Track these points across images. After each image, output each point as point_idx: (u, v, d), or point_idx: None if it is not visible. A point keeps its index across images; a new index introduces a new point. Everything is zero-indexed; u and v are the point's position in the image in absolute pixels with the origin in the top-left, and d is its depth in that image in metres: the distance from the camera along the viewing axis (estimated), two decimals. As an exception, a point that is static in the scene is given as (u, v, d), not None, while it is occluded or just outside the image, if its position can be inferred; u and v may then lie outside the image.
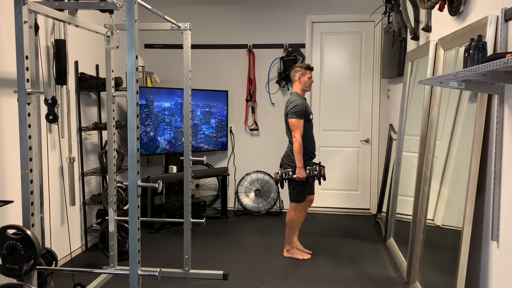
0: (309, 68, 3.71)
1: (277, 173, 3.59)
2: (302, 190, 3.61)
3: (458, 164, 2.60)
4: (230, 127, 5.31)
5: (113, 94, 3.08)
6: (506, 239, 2.02)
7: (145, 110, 4.41)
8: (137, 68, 2.07)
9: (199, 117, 4.90)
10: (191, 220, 3.31)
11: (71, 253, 3.56)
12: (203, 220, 3.31)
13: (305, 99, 3.71)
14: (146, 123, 4.43)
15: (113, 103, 3.08)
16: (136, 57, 2.06)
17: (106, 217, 3.17)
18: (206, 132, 4.98)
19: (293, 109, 3.53)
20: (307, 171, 3.52)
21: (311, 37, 5.16)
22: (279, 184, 3.62)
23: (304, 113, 3.55)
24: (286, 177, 3.53)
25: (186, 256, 3.30)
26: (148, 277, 2.32)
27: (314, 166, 3.60)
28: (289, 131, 3.63)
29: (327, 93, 5.22)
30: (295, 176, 3.51)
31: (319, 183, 3.62)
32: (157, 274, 2.12)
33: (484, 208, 2.26)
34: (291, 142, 3.63)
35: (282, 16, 5.15)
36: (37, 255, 2.12)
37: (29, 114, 2.21)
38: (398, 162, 3.82)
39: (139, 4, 2.23)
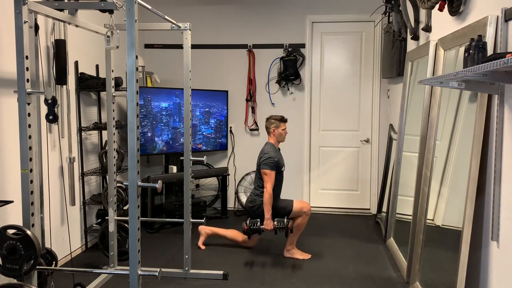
0: (283, 120, 3.81)
1: (246, 223, 3.60)
2: (282, 206, 3.70)
3: (458, 164, 2.60)
4: (230, 127, 5.31)
5: (113, 94, 3.08)
6: (506, 239, 2.02)
7: (142, 110, 4.41)
8: (137, 68, 2.08)
9: (198, 118, 4.90)
10: (191, 220, 3.31)
11: (71, 253, 3.56)
12: (203, 220, 3.32)
13: (279, 149, 3.82)
14: (143, 123, 4.43)
15: (113, 103, 3.08)
16: (136, 57, 2.06)
17: (106, 217, 3.17)
18: (204, 133, 4.98)
19: (266, 160, 3.65)
20: (275, 223, 3.56)
21: (311, 37, 5.16)
22: (247, 235, 3.64)
23: (276, 165, 3.66)
24: (253, 227, 3.56)
25: (186, 256, 3.30)
26: (148, 277, 2.32)
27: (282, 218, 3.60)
28: (259, 179, 3.73)
29: (327, 93, 5.22)
30: (262, 226, 3.56)
31: (286, 235, 3.63)
32: (157, 274, 2.12)
33: (484, 208, 2.26)
34: (256, 188, 3.76)
35: (282, 16, 5.15)
36: (37, 255, 2.12)
37: (29, 114, 2.21)
38: (398, 162, 3.82)
39: (139, 4, 2.23)
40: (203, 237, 3.97)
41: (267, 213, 3.57)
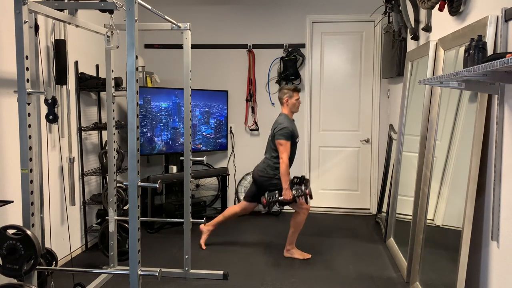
0: (296, 90, 3.77)
1: (264, 197, 3.59)
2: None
3: (458, 164, 2.60)
4: (230, 127, 5.31)
5: (113, 94, 3.08)
6: (506, 239, 2.02)
7: (141, 111, 4.41)
8: (137, 68, 2.08)
9: (198, 118, 4.89)
10: (191, 220, 3.31)
11: (71, 253, 3.56)
12: (203, 220, 3.32)
13: (293, 120, 3.77)
14: (143, 123, 4.43)
15: (113, 103, 3.09)
16: (136, 57, 2.06)
17: (106, 217, 3.17)
18: (204, 133, 4.97)
19: (281, 130, 3.60)
20: (294, 192, 3.55)
21: (311, 37, 5.16)
22: (267, 208, 3.62)
23: (291, 136, 3.62)
24: (273, 199, 3.55)
25: (186, 256, 3.30)
26: (148, 277, 2.32)
27: (300, 183, 3.63)
28: (273, 150, 3.68)
29: (327, 93, 5.22)
30: (281, 198, 3.54)
31: (306, 202, 3.63)
32: (157, 274, 2.12)
33: (484, 208, 2.26)
34: (271, 160, 3.70)
35: (282, 16, 5.15)
36: (37, 255, 2.12)
37: (29, 114, 2.21)
38: (398, 162, 3.82)
39: (139, 4, 2.23)
40: (205, 235, 3.96)
41: (285, 183, 3.53)
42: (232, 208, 4.03)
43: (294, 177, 3.74)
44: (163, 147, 4.65)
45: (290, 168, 3.71)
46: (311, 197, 3.57)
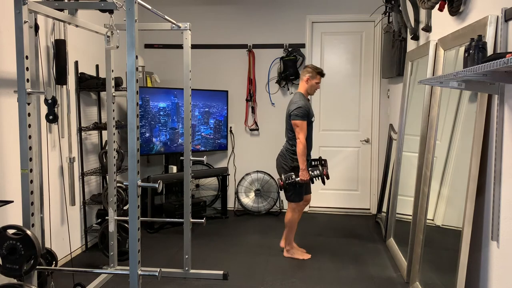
0: (321, 74, 3.69)
1: (280, 178, 3.55)
2: (299, 190, 3.61)
3: (458, 164, 2.60)
4: (230, 127, 5.31)
5: (113, 94, 3.08)
6: (506, 239, 2.02)
7: (140, 111, 4.40)
8: (137, 68, 2.08)
9: (197, 118, 4.89)
10: (191, 220, 3.31)
11: (71, 253, 3.56)
12: (203, 220, 3.32)
13: (308, 100, 3.70)
14: (141, 123, 4.43)
15: (113, 103, 3.09)
16: (136, 57, 2.06)
17: (106, 217, 3.17)
18: (203, 134, 4.97)
19: (296, 110, 3.51)
20: (310, 173, 3.52)
21: (311, 37, 5.16)
22: (282, 190, 3.58)
23: (307, 115, 3.55)
24: (289, 181, 3.50)
25: (186, 256, 3.30)
26: (148, 277, 2.32)
27: (317, 164, 3.61)
28: (290, 131, 3.62)
29: (327, 93, 5.22)
30: (298, 179, 3.50)
31: (323, 182, 3.59)
32: (157, 274, 2.12)
33: (484, 208, 2.26)
34: (289, 143, 3.64)
35: (282, 16, 5.15)
36: (37, 255, 2.12)
37: (29, 114, 2.21)
38: (398, 162, 3.82)
39: (139, 4, 2.23)
40: (295, 249, 3.77)
41: (302, 164, 3.48)
42: (295, 216, 3.75)
43: (312, 160, 3.69)
44: (161, 148, 4.64)
45: (311, 150, 3.68)
46: (327, 177, 3.52)
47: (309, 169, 3.54)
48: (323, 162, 3.68)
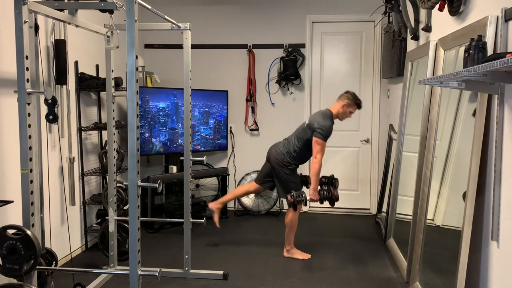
0: (358, 106, 3.67)
1: (292, 195, 3.50)
2: (295, 188, 3.62)
3: (458, 164, 2.60)
4: (230, 127, 5.31)
5: (113, 94, 3.08)
6: (506, 239, 2.02)
7: (139, 111, 4.39)
8: (137, 68, 2.08)
9: (197, 118, 4.88)
10: (191, 220, 3.31)
11: (71, 253, 3.56)
12: (203, 220, 3.32)
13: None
14: (140, 124, 4.41)
15: (113, 103, 3.08)
16: (136, 57, 2.06)
17: (106, 217, 3.17)
18: (203, 134, 4.96)
19: (323, 129, 3.48)
20: (321, 193, 3.53)
21: (311, 37, 5.16)
22: (291, 207, 3.56)
23: (328, 136, 3.55)
24: (300, 199, 3.48)
25: (186, 256, 3.30)
26: (148, 277, 2.32)
27: (327, 182, 3.62)
28: (300, 137, 3.60)
29: (327, 93, 5.21)
30: (309, 198, 3.51)
31: (331, 204, 3.58)
32: (157, 274, 2.12)
33: (484, 208, 2.26)
34: (291, 145, 3.64)
35: (282, 16, 5.15)
36: (37, 255, 2.12)
37: (29, 114, 2.21)
38: (398, 162, 3.82)
39: (139, 4, 2.23)
40: (216, 214, 3.88)
41: (315, 183, 3.48)
42: (244, 187, 3.99)
43: (322, 177, 3.67)
44: (160, 148, 4.63)
45: (304, 163, 3.69)
46: (337, 199, 3.51)
47: (320, 190, 3.55)
48: (334, 183, 3.66)
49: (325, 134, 3.50)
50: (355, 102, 3.65)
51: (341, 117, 3.69)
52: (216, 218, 3.89)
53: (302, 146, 3.60)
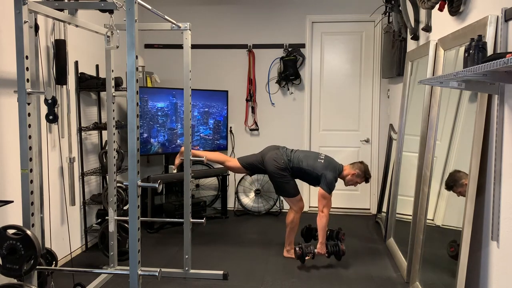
0: (366, 180, 3.75)
1: (300, 247, 3.48)
2: (290, 185, 3.64)
3: (458, 164, 2.60)
4: (230, 127, 5.31)
5: (113, 94, 3.08)
6: (506, 239, 2.02)
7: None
8: (137, 68, 2.08)
9: (196, 118, 4.88)
10: (191, 220, 3.31)
11: (71, 253, 3.56)
12: (203, 220, 3.32)
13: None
14: (139, 124, 4.40)
15: (113, 103, 3.08)
16: (136, 57, 2.06)
17: (106, 217, 3.17)
18: (202, 134, 4.95)
19: (331, 182, 3.53)
20: (328, 248, 3.54)
21: (311, 37, 5.16)
22: (299, 259, 3.53)
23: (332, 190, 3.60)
24: (307, 251, 3.47)
25: (186, 256, 3.30)
26: (148, 277, 2.32)
27: (333, 236, 3.69)
28: (308, 163, 3.58)
29: (327, 93, 5.22)
30: (316, 251, 3.49)
31: (338, 259, 3.58)
32: (157, 274, 2.12)
33: (484, 208, 2.26)
34: (301, 162, 3.59)
35: (282, 16, 5.15)
36: (37, 255, 2.12)
37: (29, 114, 2.21)
38: (398, 162, 3.82)
39: (139, 4, 2.23)
40: (178, 159, 3.67)
41: (322, 238, 3.51)
42: (225, 157, 3.91)
43: (329, 229, 3.71)
44: (159, 149, 4.62)
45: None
46: (343, 254, 3.54)
47: (328, 243, 3.55)
48: (341, 237, 3.70)
49: (332, 188, 3.57)
50: (365, 175, 3.72)
51: (346, 183, 3.74)
52: (177, 161, 3.66)
53: (304, 167, 3.60)
